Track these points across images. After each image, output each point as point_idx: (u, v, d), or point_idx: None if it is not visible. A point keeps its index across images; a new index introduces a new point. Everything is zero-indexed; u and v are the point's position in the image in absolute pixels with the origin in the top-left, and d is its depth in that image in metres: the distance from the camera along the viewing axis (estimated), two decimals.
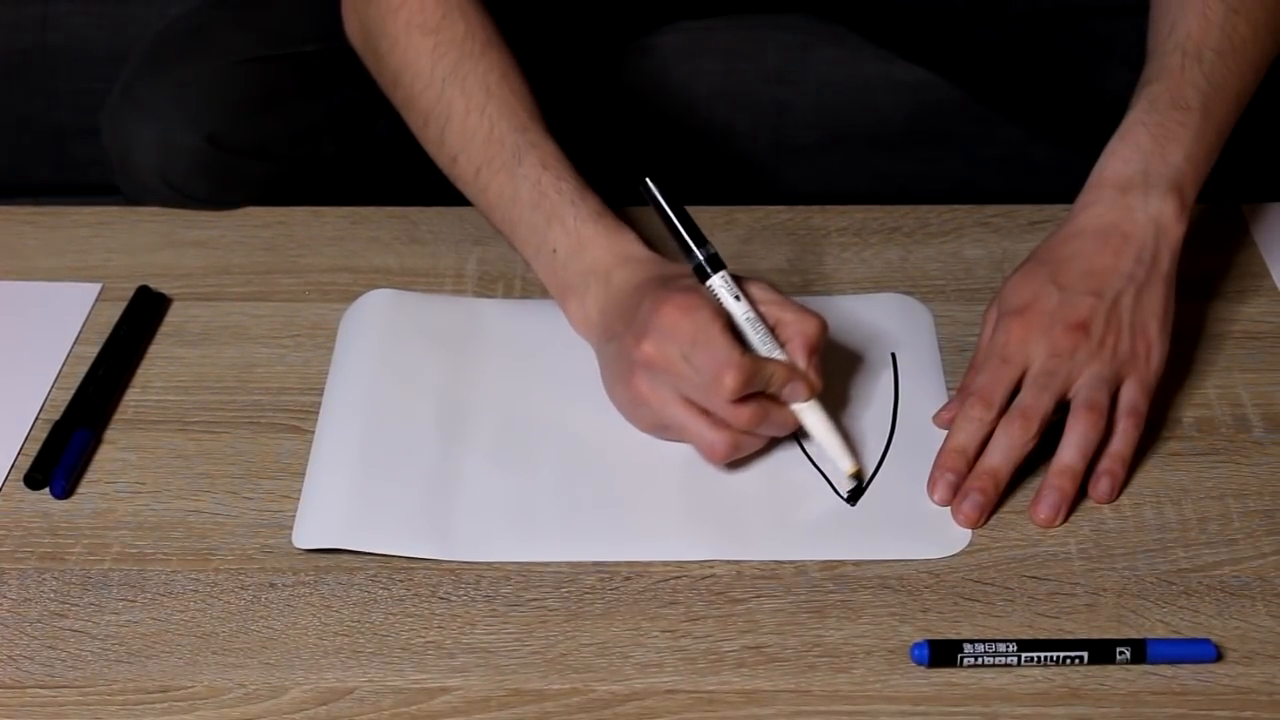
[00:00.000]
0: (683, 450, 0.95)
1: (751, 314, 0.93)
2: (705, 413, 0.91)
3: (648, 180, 0.95)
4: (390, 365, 1.01)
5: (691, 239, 0.94)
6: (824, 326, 0.93)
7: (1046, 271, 0.97)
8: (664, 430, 0.94)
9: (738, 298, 0.93)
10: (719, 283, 0.94)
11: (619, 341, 0.94)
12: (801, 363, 0.93)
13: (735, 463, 0.94)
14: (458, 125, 1.03)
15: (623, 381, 0.94)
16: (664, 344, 0.91)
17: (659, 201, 0.95)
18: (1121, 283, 0.96)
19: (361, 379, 1.01)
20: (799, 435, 0.96)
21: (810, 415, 0.93)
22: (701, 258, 0.94)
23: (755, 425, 0.91)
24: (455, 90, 1.03)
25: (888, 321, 1.05)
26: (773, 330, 0.93)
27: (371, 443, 0.96)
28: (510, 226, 1.02)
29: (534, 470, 0.94)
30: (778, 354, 0.93)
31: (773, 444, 0.96)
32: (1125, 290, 0.96)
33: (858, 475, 0.93)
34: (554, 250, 0.99)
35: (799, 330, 0.93)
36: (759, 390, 0.91)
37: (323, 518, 0.91)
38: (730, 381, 0.89)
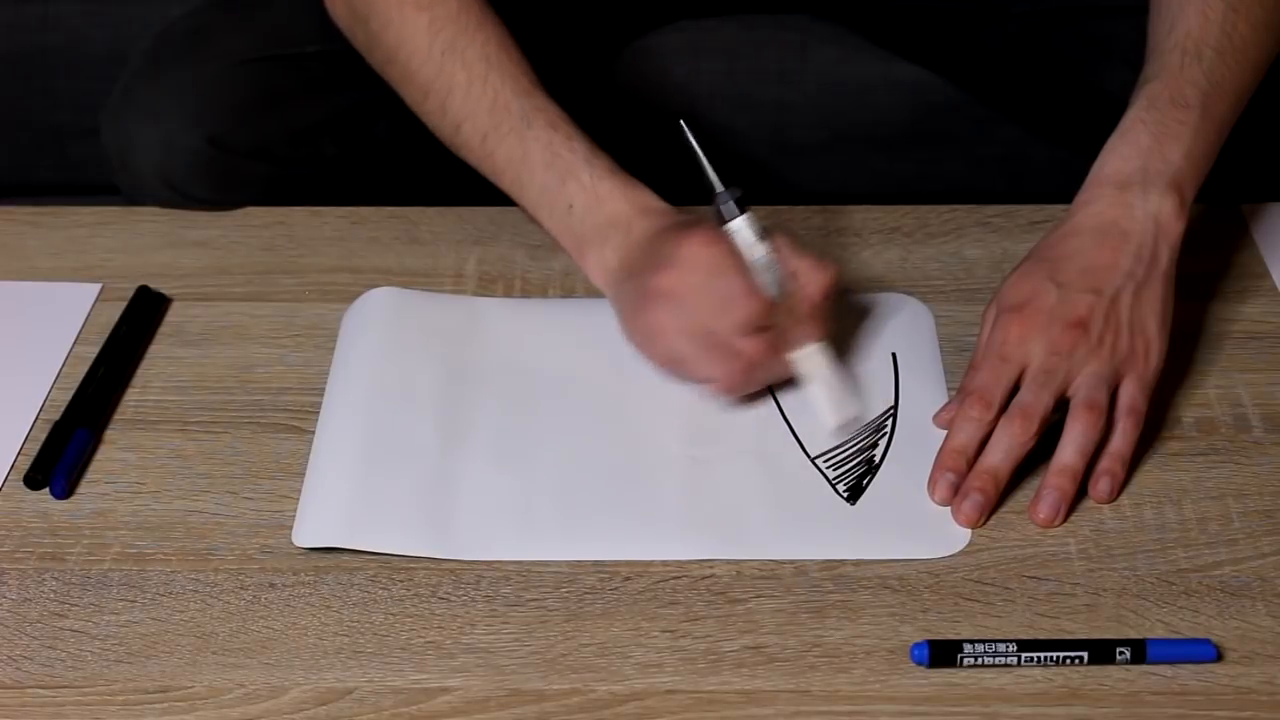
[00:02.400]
0: (683, 450, 0.95)
1: (771, 257, 0.96)
2: (716, 347, 0.94)
3: (681, 122, 0.97)
4: (391, 363, 1.01)
5: (720, 180, 0.97)
6: (836, 277, 0.96)
7: (1045, 269, 0.97)
8: (675, 365, 0.97)
9: (761, 239, 0.96)
10: (743, 223, 0.97)
11: (638, 277, 0.96)
12: (809, 308, 0.95)
13: (735, 462, 0.94)
14: (460, 96, 1.04)
15: (639, 313, 0.96)
16: (685, 274, 0.93)
17: (691, 143, 0.98)
18: (1121, 280, 0.96)
19: (362, 377, 1.01)
20: (798, 433, 0.96)
21: (809, 362, 0.97)
22: (731, 197, 0.97)
23: (765, 359, 0.94)
24: (455, 63, 1.04)
25: (889, 321, 1.05)
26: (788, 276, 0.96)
27: (372, 441, 0.96)
28: (520, 187, 1.03)
29: (534, 469, 0.94)
30: (791, 283, 0.96)
31: (773, 444, 0.96)
32: (1124, 288, 0.96)
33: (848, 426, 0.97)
34: (570, 206, 1.01)
35: (812, 278, 0.96)
36: (770, 326, 0.94)
37: (323, 516, 0.91)
38: (746, 307, 0.92)
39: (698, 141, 0.98)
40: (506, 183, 1.04)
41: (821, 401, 0.97)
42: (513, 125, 1.02)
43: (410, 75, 1.06)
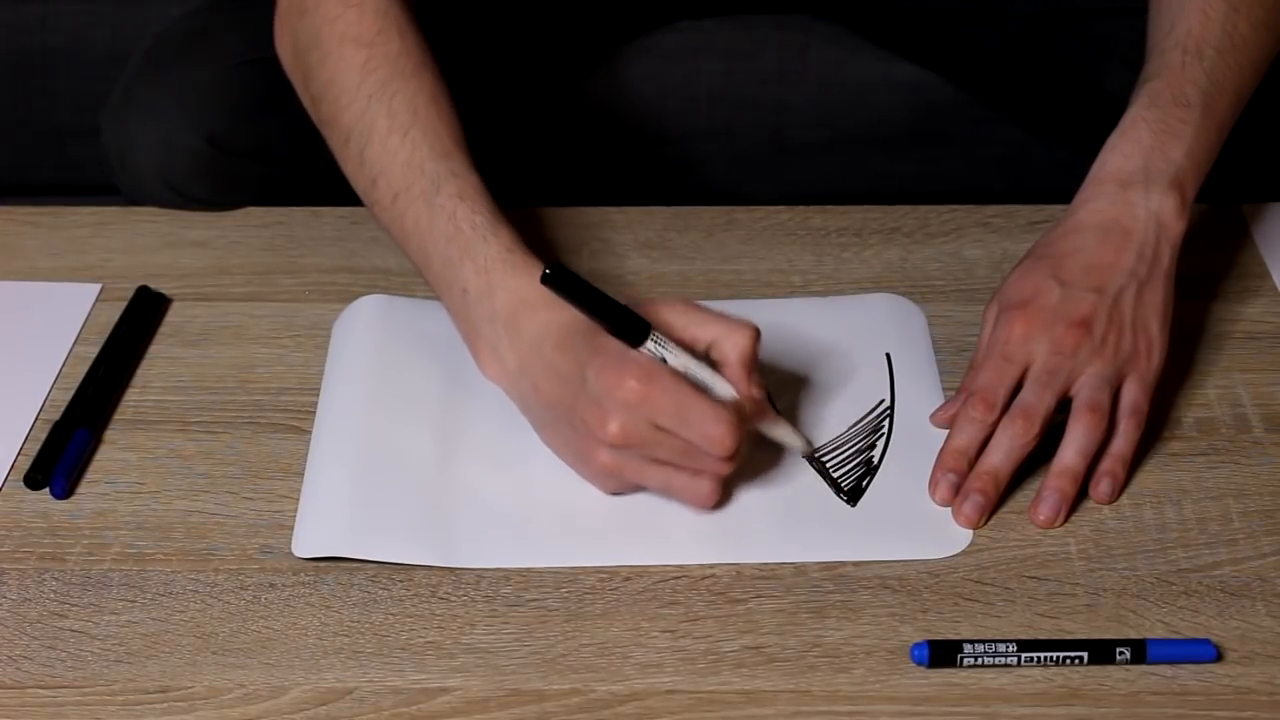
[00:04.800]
0: None
1: (684, 361, 0.89)
2: (680, 466, 0.89)
3: (547, 271, 0.88)
4: (385, 371, 1.01)
5: (608, 317, 0.89)
6: (756, 336, 0.90)
7: (1047, 266, 0.97)
8: (634, 491, 0.93)
9: (663, 360, 0.88)
10: (651, 348, 0.89)
11: (569, 415, 0.90)
12: (743, 386, 0.90)
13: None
14: (379, 145, 1.00)
15: (583, 456, 0.91)
16: (631, 420, 0.87)
17: (566, 294, 0.89)
18: (1123, 279, 0.96)
19: (356, 386, 1.00)
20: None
21: (774, 429, 0.93)
22: (627, 330, 0.89)
23: (737, 464, 0.90)
24: (380, 108, 1.00)
25: (880, 322, 1.05)
26: (707, 355, 0.91)
27: (368, 450, 0.96)
28: (424, 259, 0.99)
29: (532, 475, 0.94)
30: (722, 384, 0.89)
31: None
32: (1127, 287, 0.96)
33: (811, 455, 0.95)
34: (465, 290, 0.96)
35: (733, 353, 0.90)
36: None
37: (322, 526, 0.91)
38: (729, 439, 0.87)
39: (570, 290, 0.89)
40: (412, 250, 0.99)
41: (785, 438, 0.93)
42: (423, 189, 0.98)
43: (336, 116, 1.03)
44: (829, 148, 1.40)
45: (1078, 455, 0.92)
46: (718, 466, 0.89)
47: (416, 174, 0.98)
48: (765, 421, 0.93)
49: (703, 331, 0.91)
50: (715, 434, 0.87)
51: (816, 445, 0.96)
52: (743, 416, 0.89)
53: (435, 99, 1.01)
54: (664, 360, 0.89)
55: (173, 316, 1.07)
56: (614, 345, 0.89)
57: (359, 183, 1.03)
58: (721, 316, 0.91)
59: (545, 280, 0.88)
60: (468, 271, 0.96)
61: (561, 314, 0.91)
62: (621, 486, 0.92)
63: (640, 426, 0.88)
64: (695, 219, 1.16)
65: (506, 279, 0.94)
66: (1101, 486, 0.92)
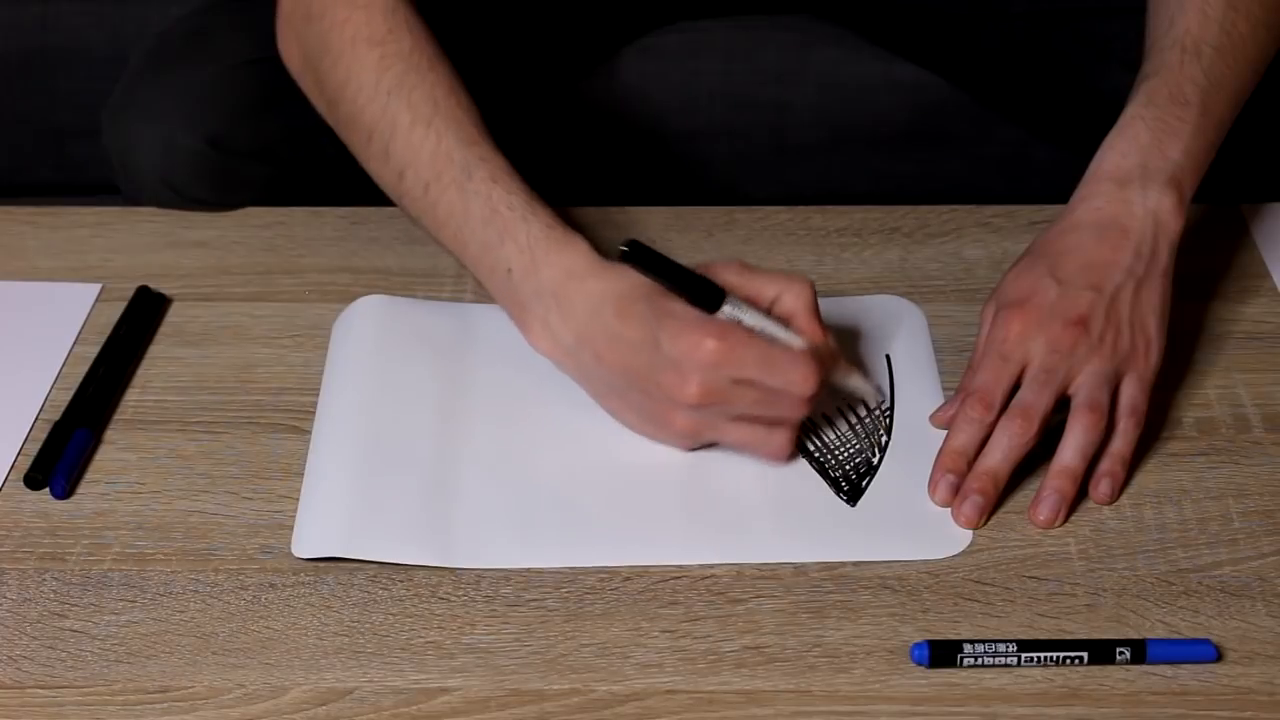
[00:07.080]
0: (682, 454, 0.95)
1: (759, 320, 0.92)
2: (754, 420, 0.92)
3: (625, 249, 0.91)
4: (385, 371, 1.01)
5: (686, 287, 0.92)
6: (813, 286, 0.94)
7: (1045, 264, 0.97)
8: (709, 446, 0.95)
9: (740, 321, 0.92)
10: (729, 311, 0.91)
11: (642, 381, 0.92)
12: (817, 334, 0.93)
13: (734, 465, 0.94)
14: (403, 138, 1.01)
15: (657, 420, 0.93)
16: (712, 379, 0.90)
17: (646, 269, 0.92)
18: (1121, 277, 0.96)
19: (357, 386, 1.00)
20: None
21: (848, 379, 0.97)
22: (704, 298, 0.92)
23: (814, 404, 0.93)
24: (401, 103, 1.01)
25: (881, 323, 1.05)
26: (770, 311, 0.93)
27: (368, 450, 0.96)
28: (461, 245, 0.99)
29: (532, 475, 0.94)
30: (795, 338, 0.93)
31: None
32: (1125, 285, 0.96)
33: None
34: (509, 270, 0.97)
35: (799, 305, 0.94)
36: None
37: (321, 526, 0.91)
38: (813, 378, 0.91)
39: (651, 264, 0.91)
40: (447, 238, 1.00)
41: (858, 387, 0.97)
42: (454, 177, 0.98)
43: (355, 115, 1.03)
44: (829, 148, 1.40)
45: (1077, 455, 0.92)
46: (795, 410, 0.92)
47: (445, 162, 0.99)
48: (839, 371, 0.96)
49: (765, 289, 0.94)
50: (799, 376, 0.90)
51: (815, 446, 0.96)
52: (821, 359, 0.92)
53: (453, 90, 1.02)
54: (740, 321, 0.91)
55: (173, 316, 1.07)
56: (681, 308, 0.91)
57: (385, 178, 1.03)
58: (777, 273, 0.94)
59: (625, 258, 0.91)
60: (510, 251, 0.97)
61: (615, 282, 0.94)
62: (697, 444, 0.95)
63: (721, 383, 0.90)
64: (695, 219, 1.16)
65: (551, 255, 0.96)
66: (1101, 487, 0.92)
